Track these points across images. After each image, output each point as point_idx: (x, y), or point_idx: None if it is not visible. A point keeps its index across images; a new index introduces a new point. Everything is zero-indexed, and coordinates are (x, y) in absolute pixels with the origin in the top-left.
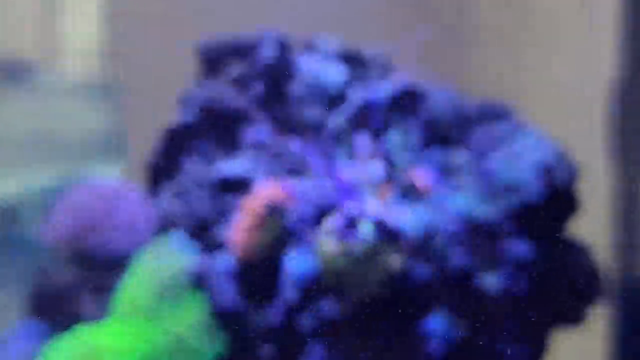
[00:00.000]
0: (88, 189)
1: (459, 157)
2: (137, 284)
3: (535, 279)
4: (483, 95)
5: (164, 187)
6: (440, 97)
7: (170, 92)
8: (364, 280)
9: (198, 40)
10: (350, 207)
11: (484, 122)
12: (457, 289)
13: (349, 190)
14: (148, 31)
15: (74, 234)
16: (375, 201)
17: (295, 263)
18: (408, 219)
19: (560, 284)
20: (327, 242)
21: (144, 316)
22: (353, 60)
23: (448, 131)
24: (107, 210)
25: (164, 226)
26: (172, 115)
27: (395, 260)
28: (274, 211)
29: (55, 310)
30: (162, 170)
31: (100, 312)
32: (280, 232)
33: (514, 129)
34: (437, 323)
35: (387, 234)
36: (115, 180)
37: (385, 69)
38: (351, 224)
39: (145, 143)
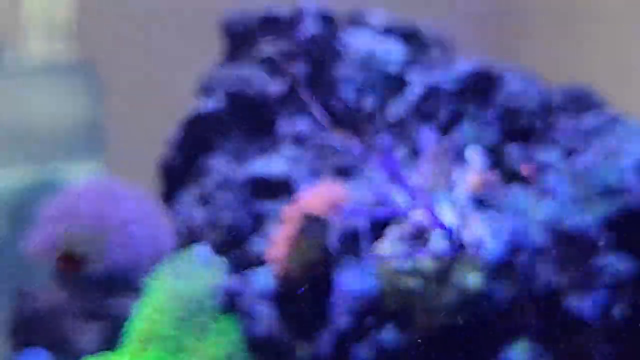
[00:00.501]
0: (81, 191)
1: (545, 153)
2: (154, 308)
3: (638, 301)
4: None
5: (184, 190)
6: (519, 82)
7: (152, 74)
8: (434, 304)
9: (223, 13)
10: (418, 215)
11: (572, 112)
12: (544, 313)
13: (416, 195)
14: (125, 6)
15: (60, 245)
16: (449, 208)
17: (350, 283)
18: (488, 230)
19: None
20: (389, 257)
21: (162, 348)
22: (410, 38)
23: (531, 123)
24: (108, 217)
25: (186, 238)
26: (189, 102)
27: (473, 280)
28: (323, 221)
29: (44, 339)
30: (180, 170)
31: (101, 342)
32: (331, 246)
33: (609, 120)
34: (520, 354)
35: (464, 248)
36: (110, 178)
37: (448, 49)
38: (420, 235)
39: (125, 131)
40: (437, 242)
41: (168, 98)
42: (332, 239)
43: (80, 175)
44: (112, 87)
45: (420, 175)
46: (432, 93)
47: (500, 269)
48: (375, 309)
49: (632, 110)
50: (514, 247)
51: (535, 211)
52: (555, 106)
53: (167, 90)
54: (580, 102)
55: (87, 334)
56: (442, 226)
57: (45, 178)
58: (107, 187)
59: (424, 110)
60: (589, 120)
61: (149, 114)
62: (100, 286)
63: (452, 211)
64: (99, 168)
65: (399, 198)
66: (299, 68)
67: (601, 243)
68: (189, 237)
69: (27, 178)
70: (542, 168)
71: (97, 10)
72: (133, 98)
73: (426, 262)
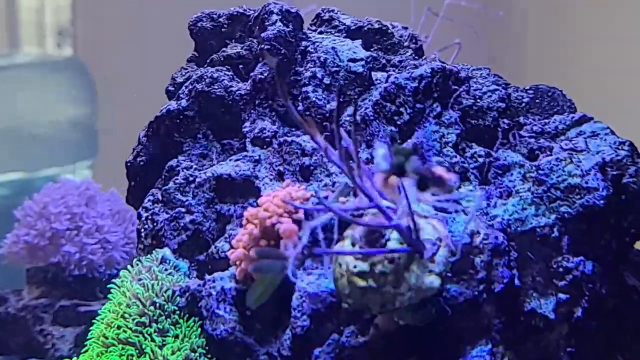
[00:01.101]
0: (53, 192)
1: (507, 154)
2: (115, 312)
3: (600, 302)
4: (535, 80)
5: (149, 190)
6: (484, 81)
7: (145, 73)
8: (392, 305)
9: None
10: (376, 216)
11: (537, 112)
12: (506, 313)
13: (374, 196)
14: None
15: (35, 249)
16: (407, 207)
17: (309, 284)
18: (446, 230)
19: (629, 310)
20: (349, 257)
21: (123, 353)
22: (377, 37)
23: (494, 122)
24: (77, 219)
25: (149, 240)
26: (157, 103)
27: (430, 279)
28: (283, 222)
29: (17, 343)
30: (145, 170)
31: (69, 346)
32: (291, 247)
33: (576, 121)
34: (482, 356)
35: (421, 247)
36: (85, 180)
37: (416, 49)
38: (378, 236)
39: (119, 132)
40: (394, 243)
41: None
42: (292, 242)
43: (73, 175)
44: (106, 87)
45: (380, 174)
46: (395, 92)
47: (459, 268)
48: (334, 311)
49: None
50: (473, 247)
51: (495, 211)
52: (521, 106)
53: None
54: (547, 102)
55: (61, 338)
56: (399, 227)
57: (35, 178)
58: (82, 189)
59: (387, 110)
60: (555, 121)
61: (143, 114)
62: (75, 289)
63: (409, 212)
64: (92, 168)
65: (360, 199)
66: (264, 67)
67: (563, 243)
68: (152, 239)
69: (14, 178)
70: (497, 173)
71: (92, 10)
72: (127, 98)
73: (383, 263)
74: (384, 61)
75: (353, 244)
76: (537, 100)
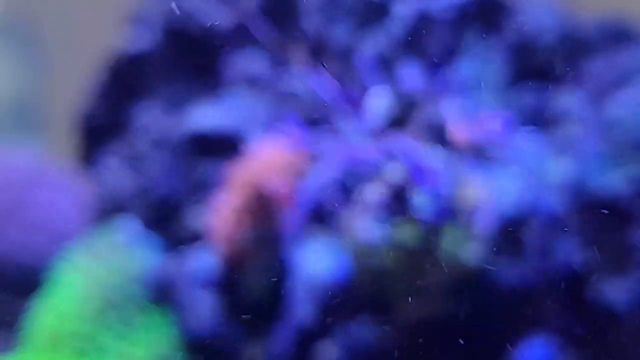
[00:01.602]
0: None
1: (566, 99)
2: (64, 299)
3: None
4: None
5: (108, 150)
6: (535, 10)
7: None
8: (419, 287)
9: None
10: (396, 172)
11: (604, 49)
12: (565, 300)
13: (395, 148)
14: None
15: None
16: (435, 163)
17: (313, 264)
18: (488, 191)
19: None
20: (362, 226)
21: (74, 348)
22: None
23: (549, 61)
24: (13, 200)
25: (108, 210)
26: (117, 41)
27: (469, 255)
28: (278, 185)
29: None
30: (103, 125)
31: (3, 344)
32: (288, 217)
33: None
34: (537, 352)
35: (457, 213)
36: (26, 154)
37: None
38: (400, 198)
39: (71, 100)
40: (422, 206)
41: None
42: (290, 209)
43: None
44: (59, 52)
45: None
46: (422, 22)
47: (506, 241)
48: (344, 297)
49: None
50: (523, 214)
51: (552, 169)
52: (582, 42)
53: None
54: (615, 37)
55: None
56: (428, 185)
57: None
58: (21, 165)
59: (411, 44)
60: (624, 59)
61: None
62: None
63: (441, 166)
64: (38, 140)
65: (375, 154)
66: None
67: (636, 211)
68: (113, 209)
69: None
70: (552, 123)
71: None
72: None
73: (408, 232)
74: None
75: (367, 211)
76: (603, 34)
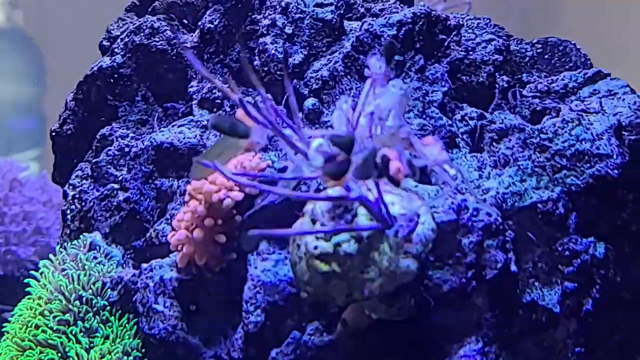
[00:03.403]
0: None
1: (505, 116)
2: (32, 309)
3: (614, 293)
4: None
5: (77, 163)
6: (481, 31)
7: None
8: (360, 293)
9: None
10: (340, 188)
11: (544, 69)
12: (500, 307)
13: (340, 162)
14: None
15: None
16: (376, 179)
17: (265, 271)
18: (425, 202)
19: None
20: (308, 236)
21: (43, 355)
22: None
23: (490, 79)
24: (1, 204)
25: (76, 222)
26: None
27: (406, 262)
28: (233, 196)
29: None
30: (74, 139)
31: None
32: (247, 226)
33: (587, 79)
34: (472, 352)
35: (393, 223)
36: (8, 160)
37: None
38: (342, 208)
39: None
40: (363, 219)
41: None
42: (245, 219)
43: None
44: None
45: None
46: (370, 41)
47: (442, 251)
48: (294, 304)
49: None
50: (459, 225)
51: (488, 183)
52: (524, 60)
53: None
54: (558, 58)
55: None
56: (363, 199)
57: None
58: (5, 170)
59: (360, 63)
60: (564, 78)
61: None
62: None
63: (375, 183)
64: (39, 159)
65: (323, 166)
66: (213, 16)
67: (570, 221)
68: (80, 222)
69: None
70: (492, 138)
71: None
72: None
73: (349, 243)
74: (362, 10)
75: (313, 222)
76: (546, 56)
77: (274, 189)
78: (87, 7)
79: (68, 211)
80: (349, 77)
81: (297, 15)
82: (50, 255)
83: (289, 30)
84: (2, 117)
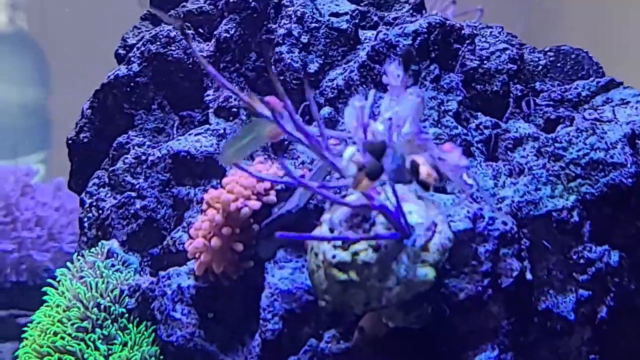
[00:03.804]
0: None
1: (519, 125)
2: (51, 317)
3: (628, 300)
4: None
5: (93, 171)
6: (494, 40)
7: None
8: (377, 301)
9: None
10: (359, 197)
11: (557, 77)
12: (516, 315)
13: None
14: None
15: None
16: (395, 189)
17: (282, 279)
18: (442, 211)
19: None
20: (326, 245)
21: None
22: None
23: (504, 88)
24: (14, 210)
25: (93, 230)
26: (104, 69)
27: (423, 271)
28: (252, 208)
29: None
30: (90, 147)
31: None
32: (264, 235)
33: (600, 87)
34: (489, 358)
35: (411, 232)
36: (23, 166)
37: (416, 5)
38: (360, 217)
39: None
40: (381, 228)
41: None
42: (266, 227)
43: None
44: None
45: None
46: (385, 51)
47: (459, 259)
48: (312, 312)
49: None
50: (475, 234)
51: (503, 192)
52: (537, 69)
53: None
54: (570, 66)
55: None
56: (383, 208)
57: None
58: (19, 175)
59: (376, 72)
60: (577, 86)
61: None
62: (12, 297)
63: (398, 192)
64: (45, 162)
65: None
66: (230, 25)
67: (585, 229)
68: (97, 230)
69: None
70: (507, 147)
71: None
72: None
73: (367, 252)
74: (375, 18)
75: (331, 230)
76: (559, 64)
77: (307, 182)
78: (88, 8)
79: (85, 219)
80: (364, 86)
81: (313, 25)
82: (68, 263)
83: (304, 39)
84: (7, 119)
